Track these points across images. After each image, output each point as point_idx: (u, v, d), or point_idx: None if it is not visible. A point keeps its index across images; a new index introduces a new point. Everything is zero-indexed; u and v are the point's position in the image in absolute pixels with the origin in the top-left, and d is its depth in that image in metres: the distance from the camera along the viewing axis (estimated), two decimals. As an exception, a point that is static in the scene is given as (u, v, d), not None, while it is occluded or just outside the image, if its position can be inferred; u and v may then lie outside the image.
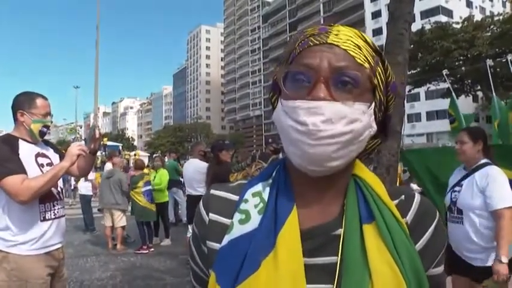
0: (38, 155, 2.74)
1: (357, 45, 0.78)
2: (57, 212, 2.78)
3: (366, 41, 0.81)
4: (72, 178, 14.15)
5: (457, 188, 3.36)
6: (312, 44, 0.78)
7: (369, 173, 0.84)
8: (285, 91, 0.78)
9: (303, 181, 0.80)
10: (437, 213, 0.85)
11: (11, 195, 2.47)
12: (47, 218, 2.68)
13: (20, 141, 2.68)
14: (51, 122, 2.86)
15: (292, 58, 0.82)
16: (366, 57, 0.78)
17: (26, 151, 2.66)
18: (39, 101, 2.74)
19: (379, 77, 0.80)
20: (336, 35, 0.78)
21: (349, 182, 0.82)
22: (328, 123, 0.72)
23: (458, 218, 3.26)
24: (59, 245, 2.80)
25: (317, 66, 0.75)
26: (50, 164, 2.78)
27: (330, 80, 0.74)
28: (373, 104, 0.80)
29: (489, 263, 3.06)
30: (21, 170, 2.54)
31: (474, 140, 3.30)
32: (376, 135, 0.84)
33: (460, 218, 3.24)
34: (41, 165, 2.71)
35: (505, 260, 2.94)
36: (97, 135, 2.92)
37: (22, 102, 2.72)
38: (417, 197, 0.84)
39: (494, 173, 3.15)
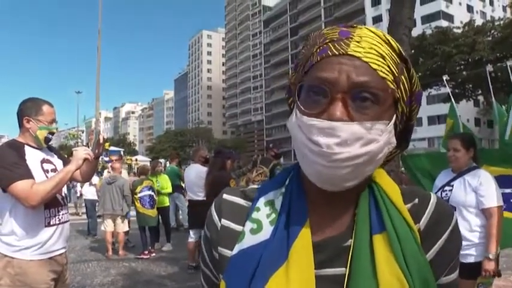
0: (43, 161, 2.76)
1: (381, 54, 0.72)
2: (62, 217, 2.79)
3: (391, 45, 0.75)
4: (79, 185, 14.13)
5: (447, 188, 3.48)
6: (330, 53, 0.72)
7: (385, 176, 0.81)
8: (299, 104, 0.74)
9: (316, 191, 0.77)
10: (454, 215, 0.81)
11: (21, 199, 2.48)
12: (51, 223, 2.70)
13: (26, 147, 2.70)
14: (57, 129, 2.89)
15: (309, 66, 0.76)
16: (390, 68, 0.73)
17: (32, 157, 2.69)
18: (45, 108, 2.76)
19: (402, 88, 0.75)
20: (358, 42, 0.72)
21: (364, 189, 0.79)
22: (343, 146, 0.68)
23: None
24: (63, 250, 2.82)
25: (335, 80, 0.70)
26: (55, 170, 2.80)
27: (348, 96, 0.70)
28: (394, 117, 0.76)
29: (481, 259, 3.22)
30: (30, 175, 2.56)
31: (466, 148, 3.40)
32: (396, 145, 0.80)
33: None
34: (46, 171, 2.73)
35: (492, 257, 3.14)
36: (101, 141, 2.95)
37: (29, 109, 2.74)
38: (433, 199, 0.80)
39: (485, 175, 3.32)
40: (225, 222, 0.85)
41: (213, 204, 0.89)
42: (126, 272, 7.18)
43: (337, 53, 0.72)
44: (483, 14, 68.00)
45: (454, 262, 0.80)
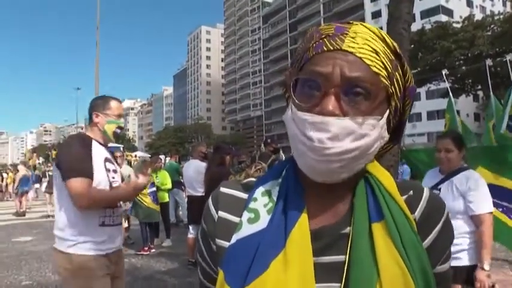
0: (106, 159, 2.73)
1: (375, 50, 0.74)
2: (115, 219, 2.76)
3: (385, 42, 0.76)
4: None
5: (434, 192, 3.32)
6: (325, 48, 0.74)
7: (380, 168, 0.83)
8: (294, 98, 0.76)
9: (312, 181, 0.78)
10: (446, 207, 0.83)
11: (73, 197, 2.47)
12: (105, 223, 2.66)
13: (93, 142, 2.68)
14: (122, 128, 2.89)
15: (305, 60, 0.78)
16: (384, 64, 0.74)
17: (97, 154, 2.65)
18: (113, 103, 2.81)
19: (396, 84, 0.77)
20: (353, 38, 0.74)
21: (360, 179, 0.80)
22: (335, 140, 0.70)
23: None
24: (117, 249, 2.78)
25: (328, 75, 0.72)
26: (115, 171, 2.80)
27: (341, 91, 0.71)
28: (387, 112, 0.77)
29: (472, 262, 3.00)
30: (91, 174, 2.54)
31: (459, 148, 3.14)
32: (389, 139, 0.82)
33: None
34: (108, 170, 2.70)
35: (487, 267, 2.90)
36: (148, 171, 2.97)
37: (97, 105, 2.80)
38: (426, 192, 0.82)
39: (474, 177, 3.05)
40: (222, 214, 0.85)
41: (210, 196, 0.90)
42: (126, 268, 7.09)
43: (331, 48, 0.74)
44: (483, 8, 67.86)
45: (448, 252, 0.83)
